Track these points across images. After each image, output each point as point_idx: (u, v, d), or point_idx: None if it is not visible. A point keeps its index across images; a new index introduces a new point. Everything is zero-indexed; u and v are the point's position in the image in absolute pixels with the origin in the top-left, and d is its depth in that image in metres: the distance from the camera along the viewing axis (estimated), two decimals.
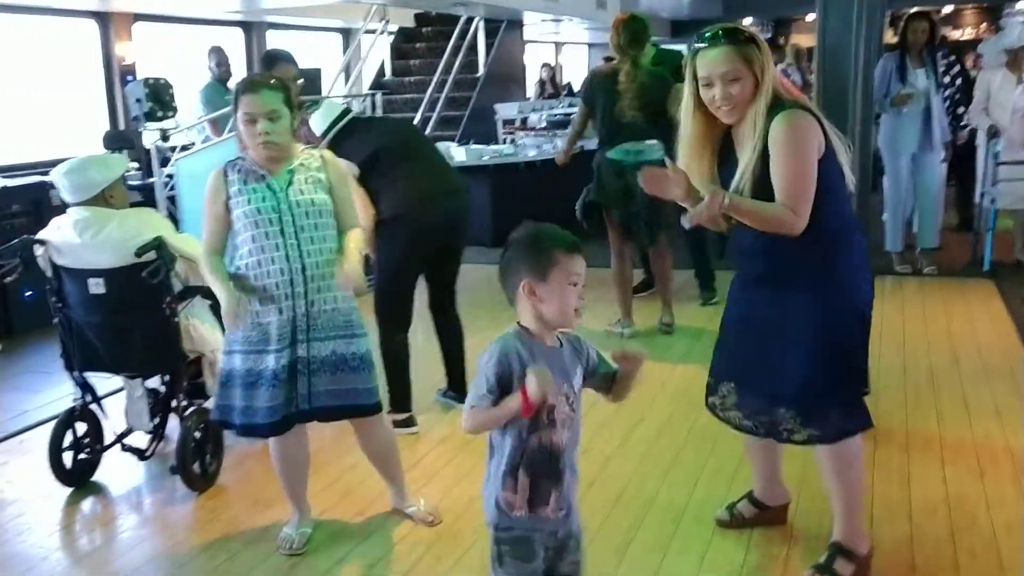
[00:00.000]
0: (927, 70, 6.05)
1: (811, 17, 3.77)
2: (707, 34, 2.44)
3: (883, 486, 3.31)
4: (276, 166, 2.85)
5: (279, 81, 2.88)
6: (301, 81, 4.38)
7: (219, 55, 7.25)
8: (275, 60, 4.44)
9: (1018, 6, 12.75)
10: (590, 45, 16.44)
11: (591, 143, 5.50)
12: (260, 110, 2.77)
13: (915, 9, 6.99)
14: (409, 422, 3.95)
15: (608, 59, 6.94)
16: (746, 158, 2.42)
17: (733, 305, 2.75)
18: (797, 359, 2.51)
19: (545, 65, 13.68)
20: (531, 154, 8.50)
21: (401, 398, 3.95)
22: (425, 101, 9.59)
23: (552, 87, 13.09)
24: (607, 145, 5.03)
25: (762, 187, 2.40)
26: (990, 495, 3.21)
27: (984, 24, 14.98)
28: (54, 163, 3.65)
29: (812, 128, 2.40)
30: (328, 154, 3.03)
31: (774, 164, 2.37)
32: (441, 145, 4.50)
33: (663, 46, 5.81)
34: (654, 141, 4.83)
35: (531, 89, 13.42)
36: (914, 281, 6.22)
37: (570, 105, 10.87)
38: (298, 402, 2.88)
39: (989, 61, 6.41)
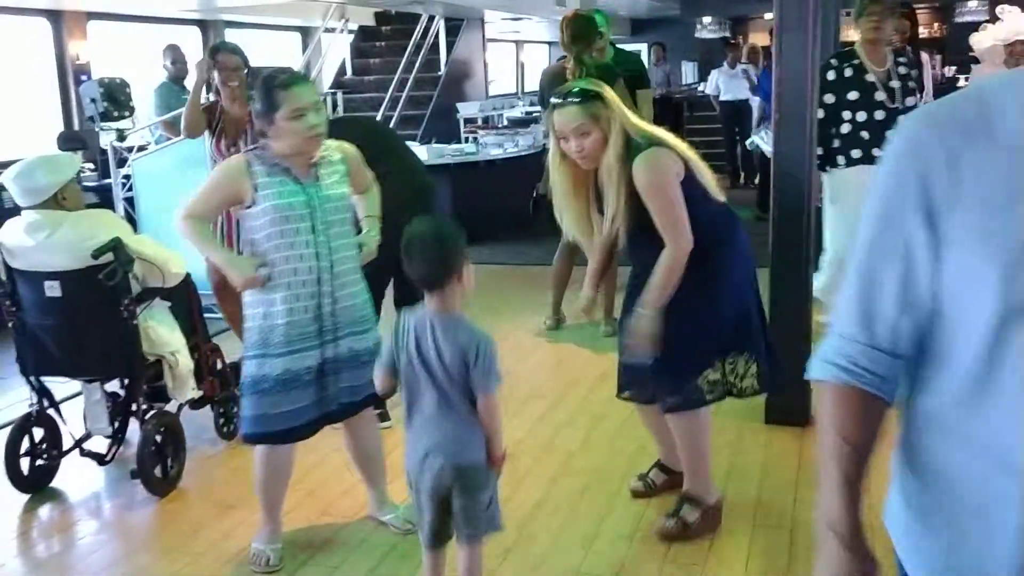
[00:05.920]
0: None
1: (769, 16, 3.83)
2: (559, 94, 2.73)
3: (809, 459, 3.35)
4: (301, 159, 2.78)
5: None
6: (245, 71, 4.36)
7: (175, 53, 7.10)
8: (217, 50, 4.39)
9: (969, 5, 12.98)
10: (550, 43, 16.47)
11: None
12: (309, 103, 2.73)
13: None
14: (383, 417, 3.95)
15: (563, 58, 6.91)
16: (611, 206, 2.71)
17: (628, 298, 2.95)
18: (666, 339, 2.76)
19: None
20: (493, 152, 8.49)
21: None
22: (386, 100, 9.54)
23: None
24: None
25: (637, 223, 2.69)
26: None
27: (936, 24, 15.19)
28: (6, 164, 3.58)
29: (667, 161, 2.69)
30: (346, 145, 2.98)
31: (648, 204, 2.67)
32: None
33: (619, 46, 5.83)
34: None
35: (494, 88, 13.36)
36: None
37: (531, 104, 10.88)
38: (326, 403, 2.85)
39: (985, 57, 5.60)
